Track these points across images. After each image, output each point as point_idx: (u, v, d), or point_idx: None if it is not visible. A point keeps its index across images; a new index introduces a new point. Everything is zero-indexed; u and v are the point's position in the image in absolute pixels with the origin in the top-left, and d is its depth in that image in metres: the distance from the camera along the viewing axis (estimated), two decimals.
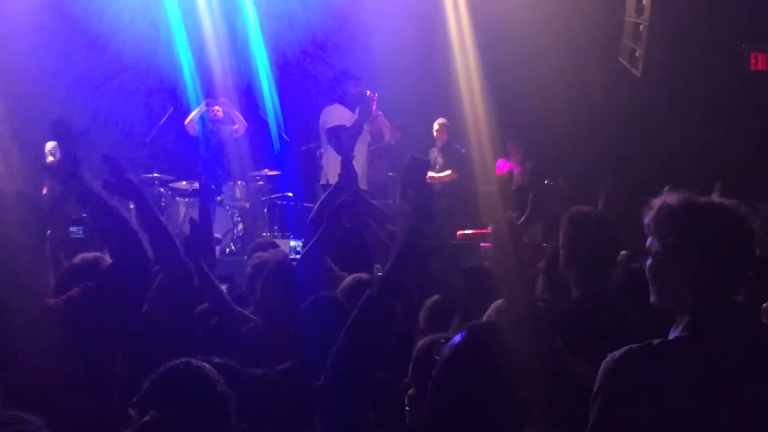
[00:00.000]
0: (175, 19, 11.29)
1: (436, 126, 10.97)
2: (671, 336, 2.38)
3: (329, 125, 8.63)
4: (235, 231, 10.41)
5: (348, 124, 8.57)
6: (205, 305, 4.14)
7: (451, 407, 2.41)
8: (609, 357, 2.34)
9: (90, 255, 4.35)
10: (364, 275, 4.54)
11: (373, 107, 10.62)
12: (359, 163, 7.83)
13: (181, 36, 11.33)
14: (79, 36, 11.42)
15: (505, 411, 2.38)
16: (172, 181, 10.71)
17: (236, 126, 10.97)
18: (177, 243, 3.78)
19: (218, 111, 10.89)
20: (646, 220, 2.47)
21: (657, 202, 2.46)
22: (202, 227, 4.34)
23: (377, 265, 5.34)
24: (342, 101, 8.75)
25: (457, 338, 2.50)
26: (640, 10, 8.94)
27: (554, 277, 3.99)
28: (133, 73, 11.82)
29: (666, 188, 2.55)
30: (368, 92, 10.59)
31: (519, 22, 9.96)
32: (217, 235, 10.10)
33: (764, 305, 3.41)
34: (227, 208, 10.50)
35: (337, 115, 8.67)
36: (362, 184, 7.84)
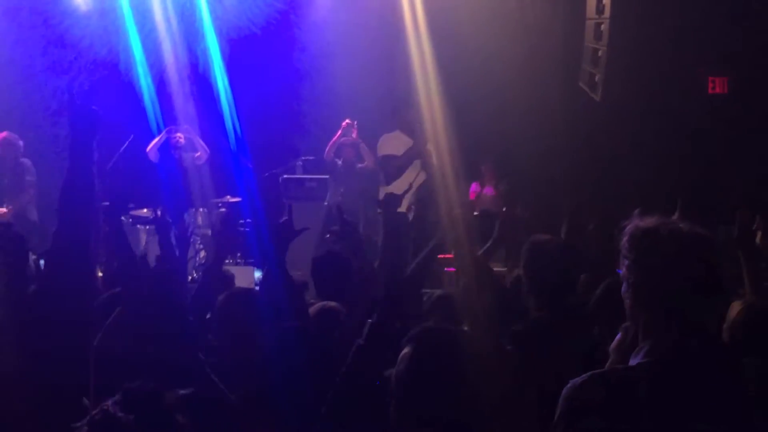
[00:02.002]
0: (135, 43, 11.23)
1: None
2: (633, 362, 2.36)
3: (382, 152, 8.72)
4: (197, 259, 10.31)
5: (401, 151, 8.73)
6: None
7: (412, 413, 2.40)
8: (570, 383, 2.31)
9: None
10: (332, 303, 4.47)
11: (354, 134, 10.69)
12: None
13: (142, 62, 11.26)
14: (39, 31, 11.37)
15: (463, 417, 2.36)
16: (132, 209, 10.60)
17: (198, 153, 10.89)
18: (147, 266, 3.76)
19: (180, 138, 10.81)
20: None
21: (627, 226, 2.46)
22: (164, 257, 4.28)
23: None
24: (401, 128, 8.83)
25: (413, 342, 2.49)
26: (599, 36, 9.04)
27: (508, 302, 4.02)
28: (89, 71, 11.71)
29: (636, 211, 2.54)
30: (347, 120, 10.67)
31: (481, 49, 10.03)
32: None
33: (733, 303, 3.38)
34: (188, 235, 10.38)
35: (389, 142, 8.76)
36: None
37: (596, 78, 9.05)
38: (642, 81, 8.83)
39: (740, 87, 9.03)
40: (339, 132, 10.84)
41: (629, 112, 8.92)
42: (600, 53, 8.99)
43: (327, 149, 10.96)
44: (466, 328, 3.40)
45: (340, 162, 10.99)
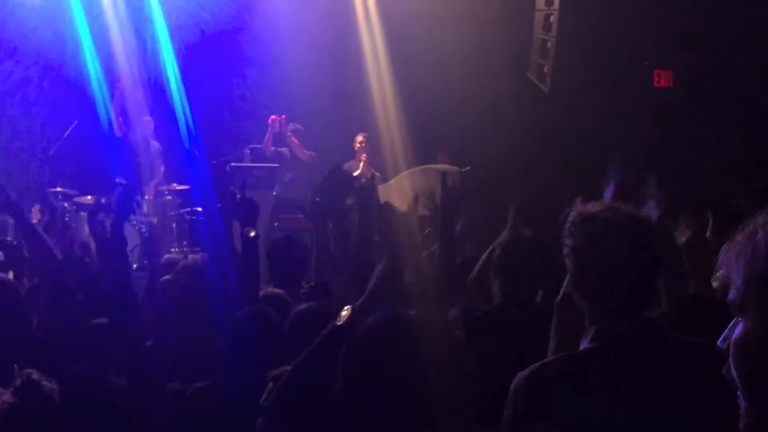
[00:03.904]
0: (82, 28, 11.02)
1: (360, 139, 10.88)
2: (581, 347, 2.35)
3: None
4: (143, 247, 10.17)
5: None
6: (103, 320, 4.00)
7: (360, 391, 2.41)
8: (519, 375, 2.30)
9: None
10: (277, 290, 4.44)
11: (288, 132, 10.67)
12: None
13: (89, 46, 11.06)
14: None
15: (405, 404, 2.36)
16: (76, 196, 10.43)
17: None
18: (56, 256, 3.72)
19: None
20: None
21: (570, 213, 2.46)
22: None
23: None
24: None
25: (369, 323, 2.48)
26: (547, 27, 9.11)
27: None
28: (36, 83, 11.48)
29: (577, 199, 2.53)
30: (273, 117, 10.64)
31: (430, 40, 10.04)
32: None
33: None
34: (134, 223, 10.26)
35: None
36: None
37: (545, 69, 9.12)
38: (590, 73, 8.90)
39: (685, 80, 9.16)
40: (269, 129, 10.90)
41: (577, 103, 9.00)
42: (549, 44, 9.06)
43: (264, 145, 11.00)
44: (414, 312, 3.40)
45: (286, 150, 10.98)
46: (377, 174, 10.20)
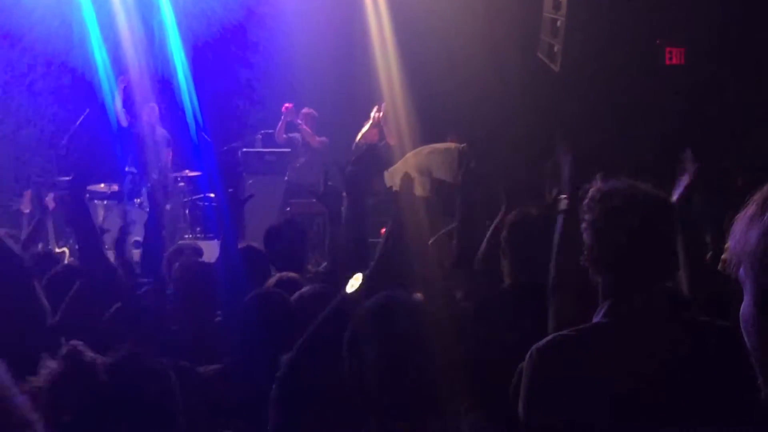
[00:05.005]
0: (89, 16, 11.01)
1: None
2: (594, 321, 2.38)
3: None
4: None
5: None
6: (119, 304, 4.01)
7: (362, 374, 2.40)
8: (534, 347, 2.33)
9: None
10: (291, 274, 4.44)
11: (298, 120, 10.65)
12: None
13: (96, 34, 11.06)
14: None
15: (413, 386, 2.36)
16: (89, 184, 10.46)
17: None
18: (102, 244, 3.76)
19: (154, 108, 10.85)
20: None
21: (589, 189, 2.47)
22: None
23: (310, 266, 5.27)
24: None
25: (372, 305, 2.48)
26: (557, 6, 9.02)
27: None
28: (46, 71, 11.50)
29: (598, 175, 2.55)
30: (287, 105, 10.63)
31: (438, 19, 9.98)
32: (137, 238, 9.90)
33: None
34: (147, 209, 10.29)
35: None
36: None
37: (555, 48, 9.05)
38: (600, 52, 8.83)
39: (697, 58, 9.07)
40: (282, 117, 10.89)
41: (588, 83, 8.93)
42: (558, 23, 8.97)
43: (276, 132, 11.00)
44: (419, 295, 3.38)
45: (298, 136, 10.98)
46: (390, 143, 10.20)
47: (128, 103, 10.81)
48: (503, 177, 4.63)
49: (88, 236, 3.67)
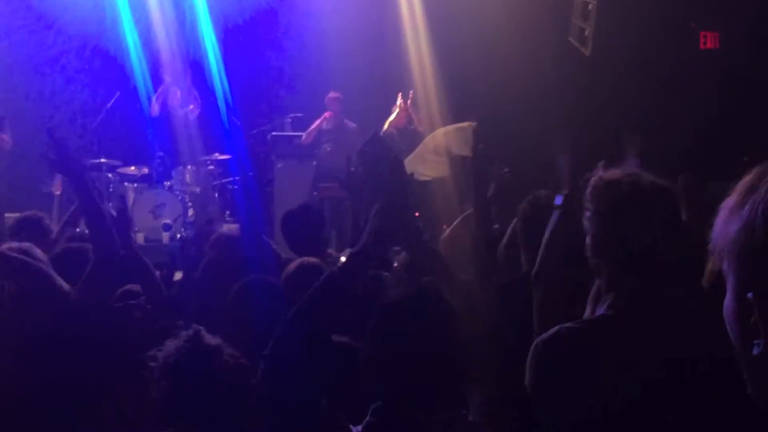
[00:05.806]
0: None
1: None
2: (597, 313, 2.36)
3: None
4: (186, 217, 10.28)
5: None
6: (128, 286, 4.04)
7: (387, 361, 2.43)
8: (537, 339, 2.32)
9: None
10: (312, 259, 4.43)
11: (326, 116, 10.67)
12: None
13: (127, 16, 11.12)
14: (21, 15, 11.17)
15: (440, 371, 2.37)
16: (119, 167, 10.56)
17: (191, 106, 10.90)
18: (111, 226, 3.77)
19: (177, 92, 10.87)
20: None
21: (591, 178, 2.43)
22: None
23: (330, 250, 5.26)
24: None
25: (401, 294, 2.50)
26: None
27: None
28: (78, 54, 11.59)
29: (600, 163, 2.50)
30: (327, 114, 10.64)
31: (469, 4, 9.92)
32: (167, 221, 9.99)
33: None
34: (177, 193, 10.37)
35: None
36: None
37: (586, 32, 8.94)
38: (632, 35, 8.72)
39: (731, 42, 8.92)
40: (319, 120, 10.89)
41: (619, 67, 8.83)
42: (590, 7, 8.87)
43: (306, 134, 10.99)
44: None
45: (326, 121, 11.00)
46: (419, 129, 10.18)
47: (160, 84, 10.90)
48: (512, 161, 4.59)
49: (95, 219, 3.73)
